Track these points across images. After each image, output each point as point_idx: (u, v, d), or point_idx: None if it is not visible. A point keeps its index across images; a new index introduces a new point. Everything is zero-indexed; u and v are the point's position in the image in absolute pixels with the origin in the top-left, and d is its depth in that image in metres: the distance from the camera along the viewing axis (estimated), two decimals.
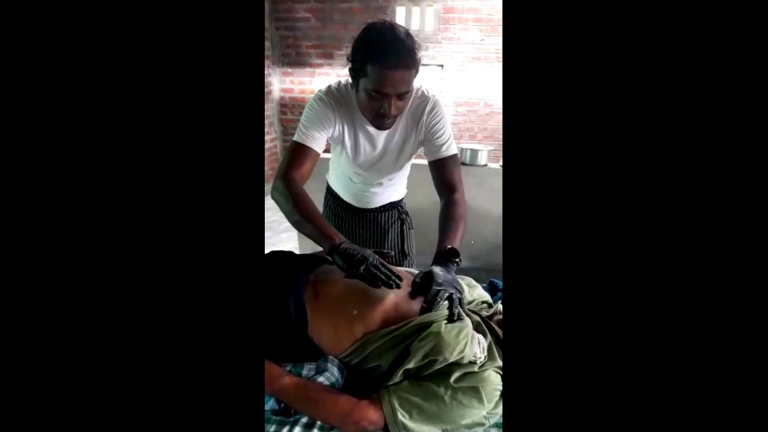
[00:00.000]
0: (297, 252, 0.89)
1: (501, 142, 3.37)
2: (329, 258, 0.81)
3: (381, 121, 0.84)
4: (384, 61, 0.74)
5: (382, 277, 0.69)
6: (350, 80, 0.88)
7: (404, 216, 1.17)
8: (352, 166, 1.00)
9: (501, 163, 2.06)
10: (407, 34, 0.77)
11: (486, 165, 2.08)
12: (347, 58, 0.82)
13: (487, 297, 0.83)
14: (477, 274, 1.02)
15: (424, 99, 0.92)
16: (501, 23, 3.29)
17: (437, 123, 0.92)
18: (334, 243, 0.74)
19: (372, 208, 1.14)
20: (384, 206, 1.15)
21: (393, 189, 1.13)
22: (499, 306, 0.81)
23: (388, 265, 0.72)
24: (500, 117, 3.45)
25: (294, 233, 2.50)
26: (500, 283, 1.03)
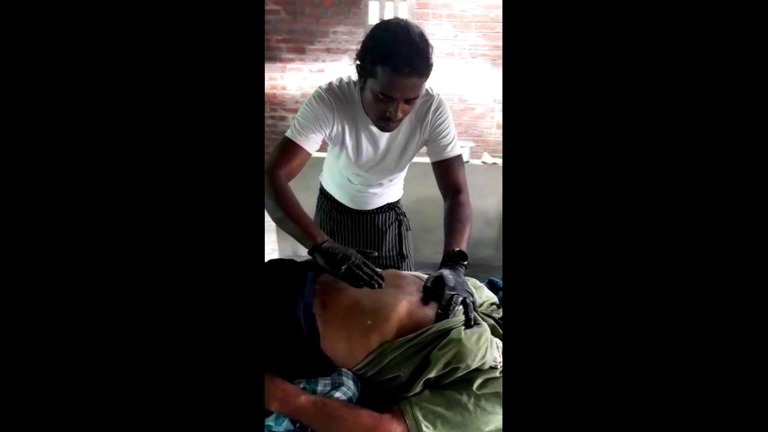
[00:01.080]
0: (276, 253, 0.86)
1: (475, 138, 3.42)
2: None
3: (385, 123, 0.81)
4: (396, 65, 0.71)
5: (365, 276, 0.67)
6: (352, 77, 0.84)
7: (402, 217, 1.15)
8: (352, 167, 0.97)
9: (482, 159, 2.08)
10: (422, 36, 0.73)
11: (468, 162, 2.10)
12: (356, 55, 0.78)
13: (494, 297, 0.83)
14: (428, 271, 1.02)
15: (428, 98, 0.90)
16: (473, 19, 3.32)
17: (443, 122, 0.90)
18: (316, 242, 0.73)
19: (369, 210, 1.11)
20: (381, 207, 1.12)
21: (392, 189, 1.10)
22: None
23: (370, 264, 0.70)
24: (474, 112, 3.50)
25: (275, 233, 2.42)
26: (500, 282, 1.03)
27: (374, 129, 0.87)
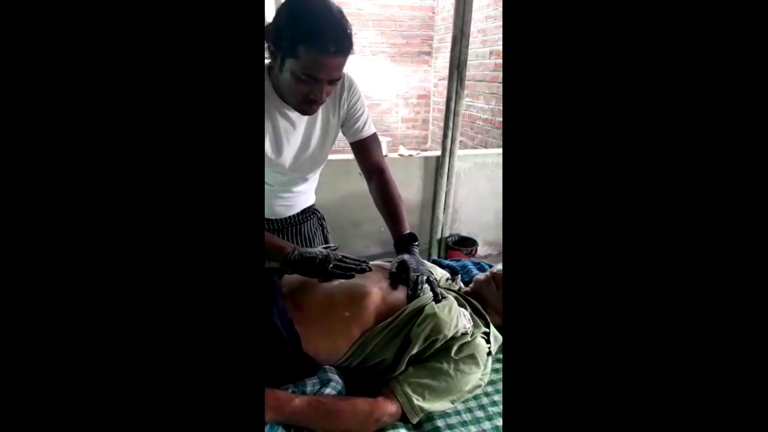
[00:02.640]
0: None
1: (383, 133, 3.55)
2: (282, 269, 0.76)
3: (308, 106, 0.75)
4: (320, 44, 0.65)
5: (353, 266, 0.71)
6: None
7: (323, 221, 1.09)
8: (272, 165, 0.85)
9: (398, 152, 2.19)
10: (340, 12, 0.68)
11: (387, 155, 2.18)
12: (267, 34, 0.69)
13: (446, 273, 0.91)
14: (388, 259, 1.01)
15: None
16: (370, 17, 3.43)
17: (357, 101, 0.87)
18: (286, 252, 0.72)
19: (292, 219, 1.00)
20: (305, 213, 1.02)
21: (313, 185, 1.03)
22: (459, 281, 0.89)
23: (347, 255, 0.73)
24: (380, 108, 3.62)
25: None
26: (442, 261, 1.12)
27: (292, 116, 0.80)
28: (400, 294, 0.73)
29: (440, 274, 0.89)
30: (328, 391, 0.62)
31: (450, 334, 0.67)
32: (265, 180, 0.89)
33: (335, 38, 0.66)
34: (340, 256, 0.73)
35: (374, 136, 0.93)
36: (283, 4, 0.68)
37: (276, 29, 0.67)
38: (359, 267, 0.72)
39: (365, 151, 0.92)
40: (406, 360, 0.66)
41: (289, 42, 0.66)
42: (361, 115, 0.89)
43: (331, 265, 0.70)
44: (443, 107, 2.02)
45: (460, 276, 0.91)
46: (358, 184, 2.09)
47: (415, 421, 0.63)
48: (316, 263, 0.71)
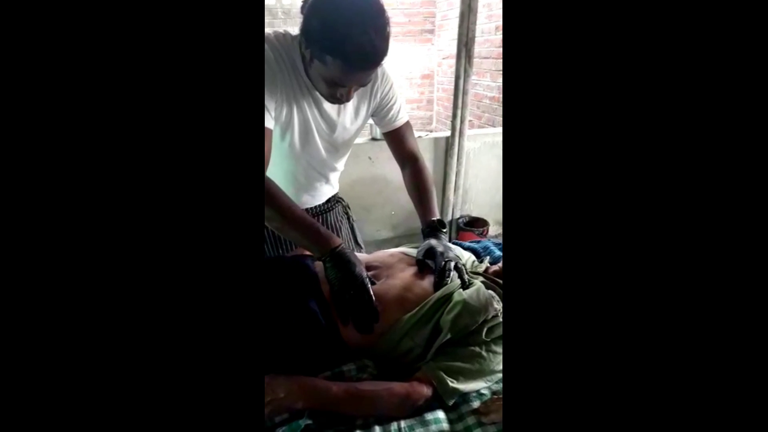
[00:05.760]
0: None
1: None
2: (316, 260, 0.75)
3: (336, 101, 0.74)
4: (347, 60, 0.62)
5: (362, 307, 0.66)
6: (289, 30, 0.73)
7: (348, 210, 1.08)
8: (303, 153, 0.83)
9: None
10: (374, 18, 0.62)
11: None
12: (300, 27, 0.66)
13: (472, 256, 0.91)
14: (399, 242, 0.99)
15: None
16: None
17: (390, 90, 0.85)
18: (334, 244, 0.70)
19: (318, 207, 0.99)
20: (330, 202, 1.01)
21: (337, 174, 1.01)
22: (486, 262, 0.89)
23: (371, 293, 0.68)
24: None
25: None
26: (463, 243, 1.13)
27: (325, 104, 0.78)
28: (426, 282, 0.73)
29: (466, 257, 0.89)
30: (364, 377, 0.64)
31: (480, 320, 0.68)
32: (293, 171, 0.87)
33: (362, 56, 0.62)
34: (368, 292, 0.67)
35: (408, 123, 0.92)
36: (316, 4, 0.63)
37: (306, 30, 0.64)
38: (369, 310, 0.66)
39: (399, 139, 0.91)
40: (437, 347, 0.67)
41: (318, 50, 0.64)
42: (394, 103, 0.88)
43: (353, 291, 0.66)
44: (448, 86, 1.99)
45: (486, 258, 0.91)
46: (368, 169, 2.09)
47: (450, 403, 0.64)
48: (348, 273, 0.67)
